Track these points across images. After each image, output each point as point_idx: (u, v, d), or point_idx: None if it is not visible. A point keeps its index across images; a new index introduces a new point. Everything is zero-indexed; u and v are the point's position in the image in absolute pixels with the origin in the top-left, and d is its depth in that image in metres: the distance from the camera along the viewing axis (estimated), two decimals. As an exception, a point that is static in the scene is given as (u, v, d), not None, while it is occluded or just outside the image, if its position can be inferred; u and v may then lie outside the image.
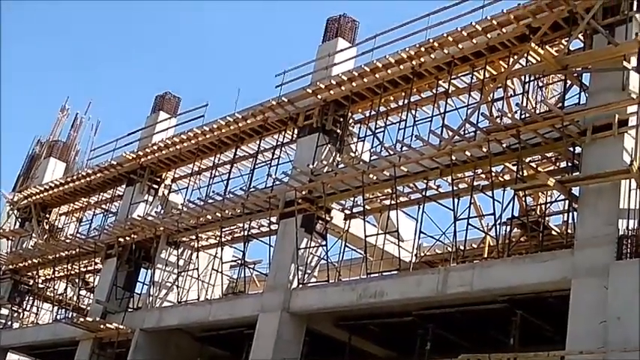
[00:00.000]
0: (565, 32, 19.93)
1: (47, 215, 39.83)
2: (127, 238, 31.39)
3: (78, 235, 35.12)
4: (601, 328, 15.68)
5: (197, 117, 30.35)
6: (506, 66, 21.48)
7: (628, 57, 17.95)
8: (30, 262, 37.34)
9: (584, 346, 15.80)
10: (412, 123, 23.55)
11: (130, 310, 30.10)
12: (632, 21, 18.37)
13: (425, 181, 22.58)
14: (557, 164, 20.71)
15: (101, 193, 36.45)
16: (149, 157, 32.19)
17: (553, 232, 21.27)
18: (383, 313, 22.19)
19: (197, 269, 29.38)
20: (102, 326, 29.34)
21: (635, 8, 18.47)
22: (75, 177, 36.77)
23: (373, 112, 25.06)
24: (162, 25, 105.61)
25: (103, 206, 36.94)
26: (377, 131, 25.01)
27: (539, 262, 18.22)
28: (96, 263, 34.13)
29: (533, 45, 19.35)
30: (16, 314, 38.49)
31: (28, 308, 38.85)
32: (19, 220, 40.30)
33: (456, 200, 21.43)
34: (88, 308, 33.13)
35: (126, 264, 31.45)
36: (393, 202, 23.90)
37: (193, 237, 29.86)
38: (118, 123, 79.93)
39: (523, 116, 19.64)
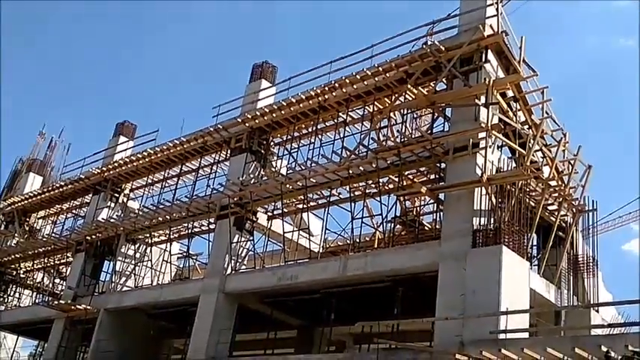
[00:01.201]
0: (433, 77, 20.30)
1: (27, 219, 38.34)
2: (93, 237, 30.47)
3: (53, 234, 33.97)
4: (461, 300, 16.03)
5: (150, 140, 29.86)
6: (389, 102, 21.78)
7: (479, 96, 18.43)
8: (13, 256, 36.05)
9: (449, 313, 16.11)
10: (319, 145, 23.62)
11: (95, 294, 29.16)
12: (482, 69, 18.88)
13: (329, 189, 22.66)
14: (428, 176, 20.99)
15: (72, 201, 35.29)
16: (111, 172, 31.35)
17: (426, 228, 21.60)
18: (297, 291, 22.13)
19: (150, 260, 28.80)
20: (72, 307, 28.39)
21: (483, 60, 18.99)
22: (50, 188, 35.53)
23: (289, 137, 25.07)
24: (123, 65, 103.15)
25: (74, 211, 35.88)
26: (292, 151, 25.00)
27: (415, 251, 18.55)
28: (68, 257, 33.02)
29: (409, 86, 19.73)
30: (1, 299, 36.85)
31: (11, 294, 37.31)
32: (4, 223, 38.65)
33: (352, 204, 21.65)
34: (62, 293, 31.89)
35: (92, 257, 30.53)
36: (305, 205, 23.99)
37: (147, 235, 29.25)
38: (85, 144, 77.32)
39: (402, 140, 19.94)
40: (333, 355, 20.94)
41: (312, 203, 24.51)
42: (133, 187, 32.49)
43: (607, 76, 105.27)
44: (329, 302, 21.08)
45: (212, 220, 25.87)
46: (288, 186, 22.95)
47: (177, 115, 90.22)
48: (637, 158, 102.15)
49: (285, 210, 24.64)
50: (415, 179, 20.75)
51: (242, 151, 25.42)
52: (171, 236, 28.62)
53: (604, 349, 12.37)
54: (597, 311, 18.96)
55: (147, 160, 29.50)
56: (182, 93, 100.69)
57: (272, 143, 26.12)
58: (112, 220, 29.77)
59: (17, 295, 37.27)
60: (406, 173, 20.60)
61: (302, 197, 23.62)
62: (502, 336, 14.80)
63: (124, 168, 30.75)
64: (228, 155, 26.77)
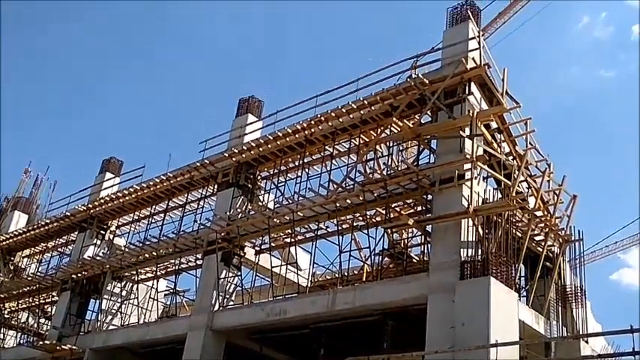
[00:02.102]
0: (418, 109, 20.50)
1: (12, 258, 37.87)
2: (79, 275, 30.15)
3: (38, 273, 33.61)
4: (451, 332, 15.93)
5: (136, 176, 29.84)
6: (375, 135, 21.93)
7: (463, 128, 18.62)
8: (-3, 296, 35.42)
9: (439, 346, 15.99)
10: (306, 178, 23.68)
11: (81, 333, 28.77)
12: (466, 101, 19.12)
13: (317, 223, 22.61)
14: (415, 208, 20.99)
15: (57, 239, 35.00)
16: (97, 209, 31.20)
17: (414, 260, 21.55)
18: (286, 327, 21.93)
19: (137, 298, 28.52)
20: (58, 347, 27.89)
21: (467, 92, 19.25)
22: (36, 226, 35.24)
23: (276, 171, 25.09)
24: (109, 101, 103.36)
25: (59, 249, 35.55)
26: (279, 185, 25.05)
27: (403, 283, 18.47)
28: (53, 296, 32.60)
29: (394, 119, 19.93)
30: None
31: (-5, 335, 36.62)
32: (-12, 262, 38.15)
33: (340, 237, 21.57)
34: (47, 333, 31.40)
35: (78, 296, 30.15)
36: (292, 239, 23.91)
37: (134, 272, 28.99)
38: (72, 182, 77.00)
39: (389, 172, 20.04)
40: (323, 391, 20.65)
41: (299, 237, 24.43)
42: (119, 223, 32.30)
43: (589, 106, 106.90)
44: (318, 337, 20.92)
45: (199, 256, 25.72)
46: (275, 220, 22.90)
47: (163, 150, 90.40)
48: (621, 188, 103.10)
49: (272, 244, 24.54)
50: (402, 211, 20.77)
51: (229, 185, 25.40)
52: (158, 273, 28.37)
53: (594, 379, 12.30)
54: (587, 342, 18.91)
55: (133, 196, 29.39)
56: (168, 128, 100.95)
57: (259, 177, 26.13)
58: (98, 258, 29.51)
59: (1, 335, 36.55)
60: (393, 205, 20.63)
61: (289, 231, 23.54)
62: (492, 368, 14.67)
63: (110, 205, 30.60)
64: (215, 190, 26.72)
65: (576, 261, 20.74)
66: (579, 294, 20.20)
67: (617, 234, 62.97)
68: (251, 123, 27.08)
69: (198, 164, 26.52)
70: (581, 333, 19.37)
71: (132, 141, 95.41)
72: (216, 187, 26.59)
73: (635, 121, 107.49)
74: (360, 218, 21.90)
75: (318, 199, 21.37)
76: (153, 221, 29.71)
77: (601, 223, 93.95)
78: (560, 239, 20.58)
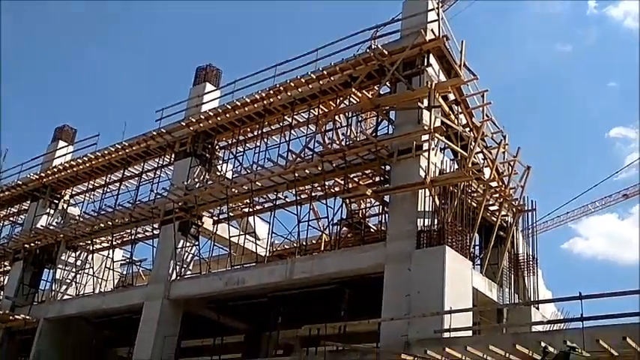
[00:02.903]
0: (377, 80, 20.57)
1: (-39, 227, 36.86)
2: (32, 244, 29.60)
3: (-12, 243, 32.78)
4: (406, 300, 16.27)
5: (91, 144, 29.29)
6: (334, 105, 21.93)
7: (421, 99, 18.79)
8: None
9: (395, 313, 16.34)
10: (265, 148, 23.62)
11: (35, 303, 28.40)
12: (424, 73, 19.24)
13: (275, 193, 22.65)
14: (373, 179, 21.19)
15: (9, 208, 34.17)
16: (50, 178, 30.53)
17: (371, 230, 21.85)
18: (244, 296, 22.06)
19: (92, 268, 28.21)
20: (11, 317, 27.54)
21: (425, 64, 19.37)
22: (-15, 195, 34.26)
23: (235, 140, 24.94)
24: (62, 67, 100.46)
25: (11, 219, 34.72)
26: (238, 155, 24.89)
27: (361, 253, 18.71)
28: (5, 266, 32.02)
29: (353, 90, 19.96)
30: None
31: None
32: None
33: (299, 207, 21.66)
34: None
35: (31, 265, 29.68)
36: (251, 209, 23.92)
37: (89, 242, 28.65)
38: (22, 150, 74.93)
39: (348, 143, 20.13)
40: (280, 359, 20.92)
41: (258, 207, 24.46)
42: (73, 192, 31.76)
43: (545, 80, 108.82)
44: (276, 306, 21.09)
45: (156, 226, 25.53)
46: (233, 190, 22.83)
47: (118, 119, 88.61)
48: (574, 160, 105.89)
49: (230, 214, 24.53)
50: (360, 182, 20.93)
51: (186, 155, 25.16)
52: (114, 243, 28.07)
53: (543, 344, 12.76)
54: (537, 308, 19.55)
55: (87, 165, 28.87)
56: (123, 97, 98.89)
57: (217, 147, 25.94)
58: (51, 227, 29.03)
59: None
60: (352, 176, 20.77)
61: (248, 201, 23.55)
62: (446, 335, 15.08)
63: (63, 173, 30.00)
64: (172, 159, 26.46)
65: (529, 230, 21.35)
66: (531, 262, 20.81)
67: (568, 204, 64.81)
68: (209, 92, 26.78)
69: (154, 133, 26.14)
70: (532, 300, 19.99)
71: (86, 109, 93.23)
72: (173, 156, 26.32)
73: (589, 94, 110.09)
74: (319, 188, 22.03)
75: (277, 169, 21.36)
76: (108, 191, 29.32)
77: (553, 194, 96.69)
78: (514, 209, 21.09)
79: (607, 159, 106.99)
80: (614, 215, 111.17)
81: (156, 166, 27.48)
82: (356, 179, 21.09)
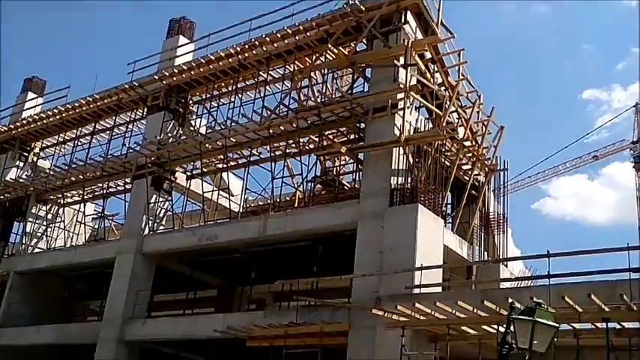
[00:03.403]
0: (353, 37, 20.39)
1: None
2: (2, 197, 29.26)
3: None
4: (378, 257, 16.54)
5: (61, 97, 28.74)
6: (310, 61, 21.76)
7: (398, 57, 18.70)
8: None
9: (367, 270, 16.59)
10: (239, 104, 23.42)
11: (5, 256, 28.22)
12: (401, 30, 19.13)
13: (249, 149, 22.56)
14: (348, 136, 21.19)
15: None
16: (19, 130, 29.99)
17: (345, 187, 21.97)
18: (217, 251, 22.16)
19: (63, 221, 28.05)
20: (-20, 270, 27.35)
21: (402, 21, 19.23)
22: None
23: (209, 95, 24.69)
24: (32, 17, 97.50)
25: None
26: (212, 110, 24.74)
27: (335, 210, 18.87)
28: (-26, 219, 31.55)
29: (330, 46, 19.79)
30: None
31: None
32: None
33: (273, 164, 21.68)
34: (-32, 257, 30.61)
35: (1, 218, 29.39)
36: (224, 165, 23.85)
37: (60, 195, 28.41)
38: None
39: (323, 100, 20.06)
40: (253, 314, 21.16)
41: (232, 163, 24.38)
42: (44, 145, 31.28)
43: (523, 41, 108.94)
44: (249, 261, 21.23)
45: (128, 180, 25.35)
46: (207, 145, 22.70)
47: (89, 72, 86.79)
48: (547, 122, 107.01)
49: (204, 170, 24.42)
50: (335, 139, 20.94)
51: (159, 109, 24.86)
52: (85, 197, 27.87)
53: (510, 300, 13.09)
54: (506, 266, 20.00)
55: (57, 117, 28.40)
56: (95, 49, 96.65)
57: (191, 102, 25.67)
58: (21, 180, 28.67)
59: None
60: (326, 133, 20.76)
61: (222, 157, 23.46)
62: (416, 291, 15.38)
63: (32, 126, 29.50)
64: (144, 113, 26.13)
65: (500, 190, 21.66)
66: (501, 221, 21.17)
67: (539, 165, 65.75)
68: (182, 45, 26.34)
69: (126, 86, 25.73)
70: (501, 257, 20.41)
71: (56, 61, 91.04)
72: (145, 110, 25.99)
73: (564, 56, 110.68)
74: (293, 145, 22.00)
75: (251, 125, 21.24)
76: (79, 144, 28.91)
77: (525, 155, 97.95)
78: (486, 169, 21.34)
79: (579, 121, 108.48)
80: (584, 176, 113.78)
81: (128, 120, 27.13)
82: (331, 137, 21.09)
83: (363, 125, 19.53)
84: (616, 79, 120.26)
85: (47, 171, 28.43)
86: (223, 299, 25.82)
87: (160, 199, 23.95)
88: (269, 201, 22.57)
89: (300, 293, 18.82)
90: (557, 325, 6.47)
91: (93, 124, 28.21)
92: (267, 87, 22.89)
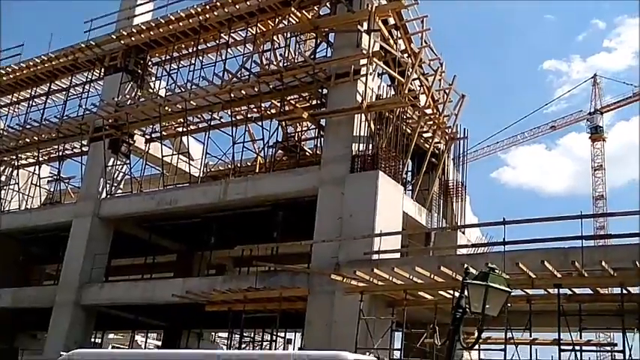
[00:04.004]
0: (317, 1, 20.22)
1: None
2: (-48, 159, 28.45)
3: None
4: (338, 223, 16.70)
5: (14, 55, 27.86)
6: (273, 25, 21.49)
7: (361, 22, 18.59)
8: None
9: (327, 236, 16.77)
10: (200, 67, 23.01)
11: (-44, 218, 27.53)
12: (365, -5, 18.99)
13: (210, 112, 22.32)
14: (310, 102, 21.11)
15: None
16: (-31, 89, 29.08)
17: (307, 153, 21.96)
18: (177, 216, 22.05)
19: (17, 184, 27.46)
20: None
21: (367, -14, 19.07)
22: None
23: (168, 57, 24.20)
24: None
25: None
26: (171, 72, 24.23)
27: (296, 176, 18.91)
28: None
29: (293, 9, 19.58)
30: None
31: None
32: None
33: (234, 128, 21.54)
34: None
35: (-48, 180, 28.59)
36: (184, 129, 23.61)
37: (13, 157, 27.73)
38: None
39: (285, 65, 19.90)
40: (212, 278, 21.22)
41: (192, 127, 24.12)
42: (-5, 106, 30.38)
43: (485, 10, 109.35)
44: (209, 226, 21.21)
45: (85, 143, 24.91)
46: (167, 108, 22.40)
47: (44, 30, 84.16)
48: (508, 90, 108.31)
49: (163, 133, 24.14)
50: (297, 104, 20.87)
51: (117, 70, 24.35)
52: (40, 158, 27.27)
53: (465, 266, 13.40)
54: (464, 233, 20.40)
55: (11, 76, 27.60)
56: (50, 7, 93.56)
57: (150, 63, 25.20)
58: (-28, 141, 27.84)
59: None
60: (288, 98, 20.65)
61: (182, 120, 23.19)
62: (375, 257, 15.63)
63: (-16, 84, 28.57)
64: (102, 74, 25.57)
65: (460, 158, 21.96)
66: (460, 189, 21.52)
67: (498, 134, 66.78)
68: (141, 4, 25.69)
69: (82, 45, 25.11)
70: (458, 225, 20.80)
71: (8, 17, 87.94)
72: (103, 71, 25.43)
73: (527, 26, 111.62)
74: (255, 110, 21.83)
75: (212, 88, 21.01)
76: (34, 104, 28.19)
77: (485, 124, 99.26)
78: (447, 137, 21.57)
79: (539, 91, 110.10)
80: (542, 146, 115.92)
81: (85, 80, 26.50)
82: (293, 102, 21.00)
83: (325, 91, 19.48)
84: (576, 50, 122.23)
85: (0, 132, 27.63)
86: (182, 264, 25.79)
87: (118, 163, 23.63)
88: (230, 166, 22.49)
89: (260, 259, 18.92)
90: (509, 290, 6.66)
91: (48, 84, 27.48)
92: (229, 50, 22.60)
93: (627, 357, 12.11)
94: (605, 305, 13.65)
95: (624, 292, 12.42)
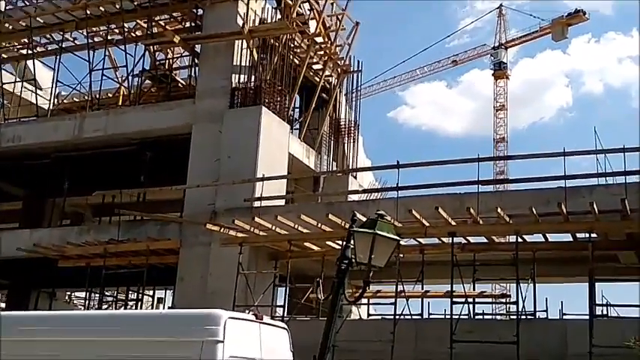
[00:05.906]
0: None
1: None
2: None
3: None
4: (215, 165, 16.79)
5: None
6: None
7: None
8: None
9: (202, 180, 16.84)
10: (48, -24, 21.99)
11: None
12: None
13: (62, 32, 21.44)
14: (183, 24, 20.79)
15: None
16: None
17: (179, 85, 21.69)
18: (22, 155, 21.25)
19: None
20: None
21: None
22: None
23: (8, -38, 22.90)
24: None
25: None
26: (12, -19, 22.99)
27: (166, 110, 18.75)
28: None
29: None
30: None
31: None
32: None
33: (91, 52, 20.93)
34: None
35: None
36: (30, 51, 22.62)
37: None
38: None
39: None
40: (66, 229, 20.79)
41: (39, 48, 23.11)
42: None
43: None
44: (62, 168, 20.63)
45: None
46: (7, 25, 21.47)
47: None
48: (406, 19, 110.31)
49: (3, 55, 23.13)
50: (168, 26, 20.40)
51: (-58, -25, 22.73)
52: None
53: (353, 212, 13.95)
54: (355, 177, 21.05)
55: None
56: None
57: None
58: None
59: None
60: (157, 19, 20.25)
61: (26, 40, 22.19)
62: (257, 204, 15.90)
63: None
64: None
65: (353, 94, 22.43)
66: (352, 128, 22.07)
67: (396, 68, 68.05)
68: None
69: None
70: (350, 168, 21.41)
71: None
72: None
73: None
74: (117, 31, 21.24)
75: (64, 3, 20.28)
76: None
77: (382, 57, 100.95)
78: (339, 69, 21.92)
79: (440, 21, 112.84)
80: (443, 83, 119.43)
81: None
82: (162, 23, 20.53)
83: (201, 12, 19.22)
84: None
85: None
86: (30, 213, 24.93)
87: (-54, 90, 22.32)
88: (86, 97, 21.85)
89: (124, 206, 18.73)
90: (398, 238, 7.02)
91: None
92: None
93: (521, 308, 13.12)
94: (499, 255, 14.70)
95: (519, 240, 13.35)
